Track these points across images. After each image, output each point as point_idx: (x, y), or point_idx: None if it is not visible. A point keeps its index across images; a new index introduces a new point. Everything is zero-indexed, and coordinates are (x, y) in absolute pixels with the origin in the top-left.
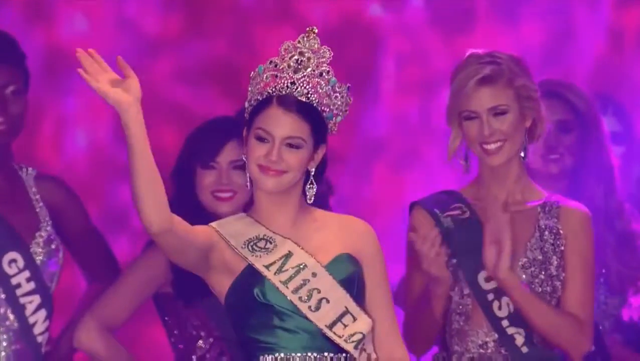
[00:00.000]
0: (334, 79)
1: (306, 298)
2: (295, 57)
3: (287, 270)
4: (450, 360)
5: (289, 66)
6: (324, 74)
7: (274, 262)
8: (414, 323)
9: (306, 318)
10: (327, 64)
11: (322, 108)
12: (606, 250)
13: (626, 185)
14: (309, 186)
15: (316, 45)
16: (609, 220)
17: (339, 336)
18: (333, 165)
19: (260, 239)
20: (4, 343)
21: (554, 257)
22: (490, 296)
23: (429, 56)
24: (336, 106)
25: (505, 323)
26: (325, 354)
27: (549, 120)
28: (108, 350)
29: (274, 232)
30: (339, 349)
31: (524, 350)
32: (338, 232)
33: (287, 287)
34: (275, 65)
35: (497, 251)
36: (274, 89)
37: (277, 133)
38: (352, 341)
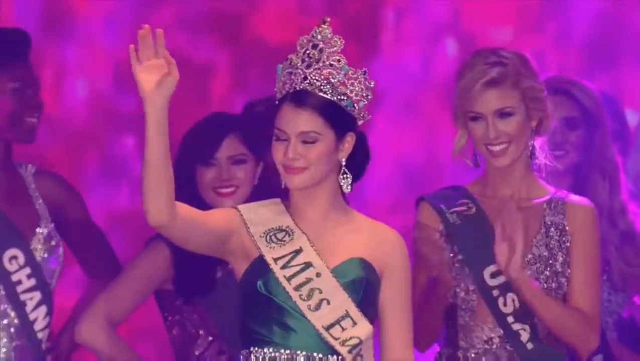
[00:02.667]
0: (346, 66)
1: (306, 297)
2: (308, 50)
3: (292, 266)
4: (456, 355)
5: (302, 61)
6: (334, 63)
7: (283, 256)
8: (418, 316)
9: (304, 316)
10: (338, 53)
11: (339, 97)
12: (609, 248)
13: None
14: (342, 176)
15: (329, 35)
16: (612, 218)
17: (335, 339)
18: None
19: (282, 230)
20: (5, 340)
21: (560, 254)
22: (496, 293)
23: (429, 7)
24: (354, 92)
25: (510, 319)
26: (299, 352)
27: (555, 117)
28: (110, 344)
29: (296, 225)
30: (334, 351)
31: (529, 346)
32: (367, 237)
33: (289, 283)
34: (291, 62)
35: (509, 249)
36: (290, 87)
37: (291, 131)
38: (347, 345)
